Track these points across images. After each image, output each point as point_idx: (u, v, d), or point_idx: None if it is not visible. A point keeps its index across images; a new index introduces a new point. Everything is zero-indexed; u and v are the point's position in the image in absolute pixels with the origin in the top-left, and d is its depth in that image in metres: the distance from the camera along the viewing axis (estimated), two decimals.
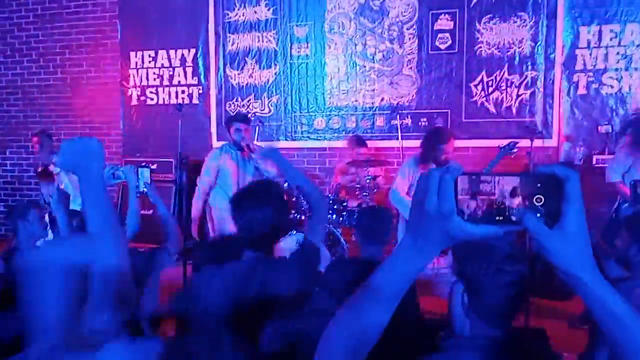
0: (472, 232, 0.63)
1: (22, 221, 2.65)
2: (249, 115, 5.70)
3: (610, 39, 4.79)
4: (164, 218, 2.60)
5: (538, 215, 0.61)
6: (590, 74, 4.86)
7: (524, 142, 4.39)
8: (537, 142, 4.46)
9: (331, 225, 4.43)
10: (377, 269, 0.73)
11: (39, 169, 4.96)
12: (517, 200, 0.61)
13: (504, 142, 3.95)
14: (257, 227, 1.79)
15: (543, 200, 0.61)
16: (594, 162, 4.58)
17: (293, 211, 4.55)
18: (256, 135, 5.29)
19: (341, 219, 4.48)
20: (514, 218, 0.61)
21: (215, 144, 5.87)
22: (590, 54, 4.85)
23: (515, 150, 3.90)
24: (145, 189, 2.80)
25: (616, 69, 4.80)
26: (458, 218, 0.62)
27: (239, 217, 1.83)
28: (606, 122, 4.77)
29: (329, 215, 4.48)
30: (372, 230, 2.55)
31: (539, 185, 0.61)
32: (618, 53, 4.78)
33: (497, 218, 0.62)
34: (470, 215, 0.62)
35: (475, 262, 1.35)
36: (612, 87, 4.82)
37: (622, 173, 3.52)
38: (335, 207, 4.49)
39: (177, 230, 2.59)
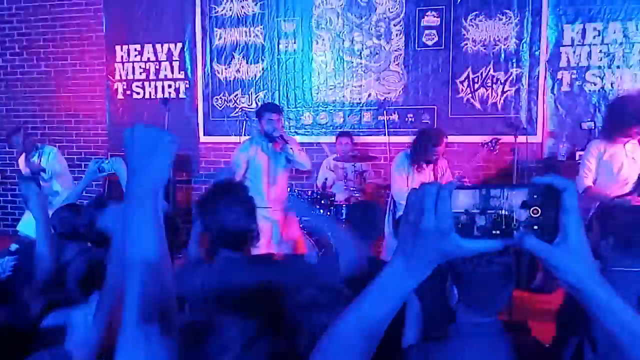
0: (469, 248, 0.61)
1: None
2: (236, 111, 5.70)
3: (594, 37, 4.86)
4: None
5: (535, 227, 0.59)
6: (574, 71, 4.93)
7: (509, 138, 4.45)
8: (522, 138, 4.52)
9: None
10: (361, 296, 0.69)
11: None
12: (526, 213, 0.59)
13: (488, 138, 3.98)
14: (229, 227, 1.79)
15: (540, 211, 0.59)
16: (577, 158, 4.66)
17: None
18: (243, 130, 5.30)
19: (328, 213, 4.50)
20: (514, 233, 0.59)
21: (203, 138, 5.85)
22: (574, 52, 4.92)
23: (497, 147, 3.95)
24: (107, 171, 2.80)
25: (599, 67, 4.87)
26: (455, 235, 0.60)
27: (209, 217, 1.83)
28: (589, 119, 4.85)
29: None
30: (363, 225, 2.57)
31: (535, 196, 0.59)
32: (601, 51, 4.86)
33: (493, 232, 0.60)
34: (463, 230, 0.60)
35: (467, 258, 1.39)
36: (595, 84, 4.90)
37: (592, 178, 3.50)
38: (322, 201, 4.51)
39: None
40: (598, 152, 3.44)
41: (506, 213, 0.59)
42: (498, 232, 0.59)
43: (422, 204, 0.62)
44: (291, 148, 3.89)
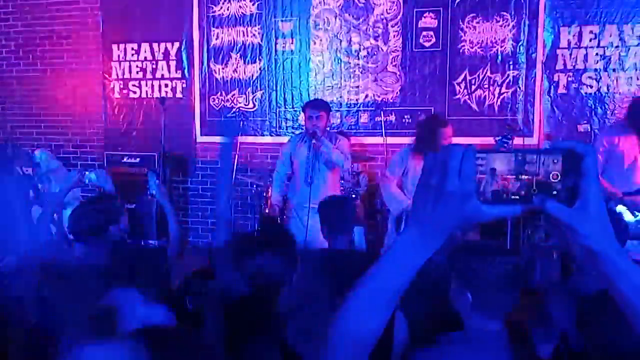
0: (488, 213, 0.60)
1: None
2: (233, 110, 5.69)
3: (590, 40, 4.89)
4: (170, 223, 2.60)
5: (554, 192, 0.59)
6: (570, 73, 4.96)
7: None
8: (518, 140, 4.54)
9: None
10: (374, 266, 0.68)
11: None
12: (546, 178, 0.59)
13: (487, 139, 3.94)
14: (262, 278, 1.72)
15: (559, 176, 0.59)
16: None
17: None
18: (240, 130, 5.29)
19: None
20: (533, 198, 0.59)
21: (199, 138, 5.84)
22: (571, 54, 4.94)
23: (511, 142, 3.83)
24: (154, 192, 2.80)
25: (595, 70, 4.90)
26: (475, 199, 0.59)
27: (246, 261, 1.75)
28: (585, 122, 4.87)
29: None
30: (339, 221, 2.53)
31: (554, 161, 0.59)
32: (597, 54, 4.89)
33: (512, 197, 0.59)
34: (483, 194, 0.59)
35: (473, 260, 1.39)
36: (591, 87, 4.92)
37: (599, 171, 3.50)
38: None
39: (179, 236, 2.58)
40: (610, 144, 3.37)
41: (526, 177, 0.59)
42: (517, 197, 0.59)
43: (445, 166, 0.60)
44: (324, 147, 3.83)
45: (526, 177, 0.59)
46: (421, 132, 3.88)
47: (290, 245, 1.84)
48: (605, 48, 4.86)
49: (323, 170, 3.93)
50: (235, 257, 1.78)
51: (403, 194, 3.85)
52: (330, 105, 5.45)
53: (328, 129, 4.17)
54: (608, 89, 4.86)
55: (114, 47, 5.97)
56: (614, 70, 4.86)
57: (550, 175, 0.59)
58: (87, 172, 2.82)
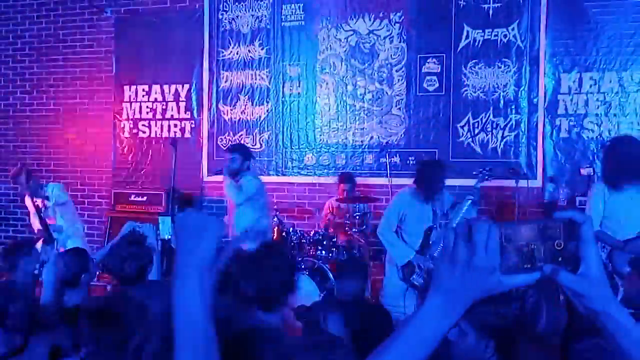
0: (509, 284, 0.65)
1: (24, 257, 2.63)
2: None
3: (590, 86, 5.01)
4: None
5: (559, 259, 0.65)
6: (572, 118, 5.05)
7: (510, 183, 4.51)
8: (522, 183, 4.59)
9: (320, 261, 4.45)
10: (396, 337, 0.68)
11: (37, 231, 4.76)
12: (551, 247, 0.64)
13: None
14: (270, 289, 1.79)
15: (563, 245, 0.65)
16: (577, 204, 4.71)
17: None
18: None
19: (330, 254, 4.52)
20: (544, 268, 0.64)
21: (206, 177, 5.92)
22: (572, 100, 5.05)
23: (491, 175, 3.99)
24: (168, 237, 2.88)
25: (596, 114, 4.99)
26: (498, 272, 0.64)
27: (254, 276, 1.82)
28: (588, 165, 4.93)
29: (318, 252, 4.51)
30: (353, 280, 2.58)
31: (558, 230, 0.65)
32: (598, 99, 5.00)
33: (525, 266, 0.64)
34: (501, 266, 0.64)
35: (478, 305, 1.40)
36: (592, 131, 5.01)
37: (599, 222, 3.46)
38: (324, 242, 4.53)
39: None
40: (604, 194, 3.39)
41: (534, 247, 0.64)
42: (529, 265, 0.64)
43: (473, 241, 0.64)
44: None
45: (534, 246, 0.64)
46: (422, 176, 3.95)
47: (291, 268, 1.89)
48: (606, 94, 4.97)
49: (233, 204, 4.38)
50: (236, 278, 1.83)
51: (405, 244, 3.92)
52: (336, 146, 5.57)
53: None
54: (610, 134, 4.94)
55: (126, 88, 6.14)
56: (614, 115, 4.95)
57: (555, 243, 0.64)
58: (138, 226, 2.91)
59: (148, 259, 2.47)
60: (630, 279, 2.07)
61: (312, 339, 1.43)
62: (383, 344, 0.69)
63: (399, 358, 0.67)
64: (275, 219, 4.74)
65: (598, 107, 4.99)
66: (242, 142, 5.83)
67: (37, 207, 4.52)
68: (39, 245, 3.63)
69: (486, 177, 4.01)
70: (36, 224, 4.53)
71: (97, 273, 2.74)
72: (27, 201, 4.71)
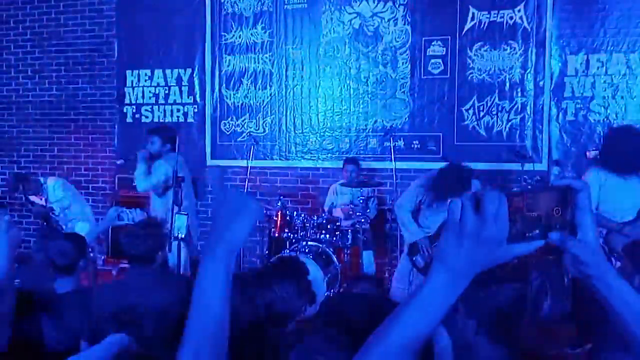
0: (516, 252, 0.64)
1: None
2: (244, 135, 5.76)
3: (597, 68, 4.94)
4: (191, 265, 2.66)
5: (557, 226, 0.65)
6: (578, 101, 5.00)
7: (515, 166, 4.48)
8: (528, 166, 4.56)
9: (324, 245, 4.45)
10: (399, 315, 0.67)
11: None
12: (555, 214, 0.65)
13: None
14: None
15: (560, 211, 0.65)
16: None
17: (287, 230, 4.57)
18: (251, 155, 5.34)
19: (334, 238, 4.51)
20: (551, 236, 0.64)
21: (210, 162, 5.90)
22: (578, 82, 4.99)
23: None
24: (182, 235, 2.88)
25: (603, 97, 4.93)
26: (506, 242, 0.63)
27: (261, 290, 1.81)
28: (594, 148, 4.87)
29: (322, 236, 4.51)
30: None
31: (555, 197, 0.65)
32: (605, 81, 4.93)
33: (527, 234, 0.64)
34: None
35: (479, 288, 1.38)
36: (599, 114, 4.95)
37: (595, 205, 3.44)
38: (328, 226, 4.52)
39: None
40: (599, 179, 3.40)
41: (535, 215, 0.64)
42: (530, 234, 0.64)
43: (482, 212, 0.62)
44: None
45: (535, 214, 0.64)
46: (441, 182, 3.77)
47: (304, 277, 1.88)
48: (613, 76, 4.91)
49: None
50: (251, 286, 1.82)
51: (416, 225, 3.97)
52: (340, 130, 5.53)
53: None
54: (617, 116, 4.89)
55: (128, 73, 6.10)
56: (622, 97, 4.89)
57: (553, 210, 0.64)
58: (125, 211, 2.91)
59: (160, 243, 2.45)
60: (623, 264, 2.06)
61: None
62: (386, 322, 0.68)
63: (403, 335, 0.66)
64: (279, 203, 4.73)
65: (605, 90, 4.93)
66: (245, 126, 5.80)
67: (46, 211, 4.53)
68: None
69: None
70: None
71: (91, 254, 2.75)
72: (35, 208, 4.71)
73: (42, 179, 4.80)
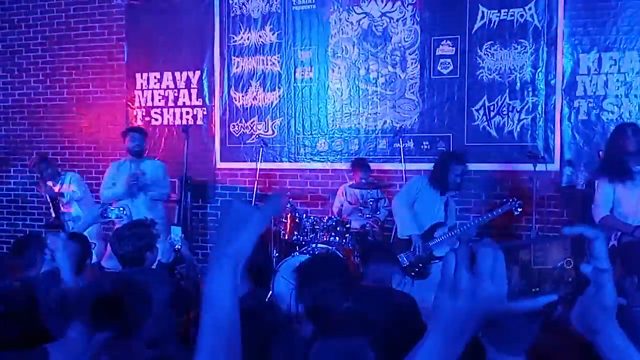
0: (515, 310, 0.59)
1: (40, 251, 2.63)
2: (253, 137, 5.76)
3: (610, 66, 4.87)
4: (192, 275, 2.68)
5: (570, 279, 0.59)
6: (591, 100, 4.92)
7: (527, 167, 4.43)
8: (540, 167, 4.50)
9: (334, 247, 4.43)
10: None
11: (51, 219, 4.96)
12: (567, 266, 0.59)
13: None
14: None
15: (572, 263, 0.59)
16: (595, 187, 4.60)
17: (296, 233, 4.56)
18: (260, 157, 5.34)
19: (344, 240, 4.49)
20: (582, 268, 0.59)
21: (219, 164, 5.91)
22: (591, 81, 4.92)
23: (520, 210, 3.95)
24: (179, 246, 2.91)
25: (616, 96, 4.86)
26: (506, 300, 0.58)
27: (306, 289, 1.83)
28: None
29: (332, 238, 4.49)
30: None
31: (566, 248, 0.59)
32: (618, 80, 4.85)
33: (533, 290, 0.58)
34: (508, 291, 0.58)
35: None
36: (612, 113, 4.88)
37: (609, 207, 3.44)
38: (338, 228, 4.50)
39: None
40: (613, 183, 3.38)
41: (542, 268, 0.58)
42: (537, 289, 0.58)
43: (477, 269, 0.57)
44: None
45: (543, 267, 0.58)
46: (437, 166, 4.03)
47: (345, 273, 1.90)
48: (626, 74, 4.83)
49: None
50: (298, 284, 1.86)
51: (413, 221, 3.98)
52: (349, 132, 5.51)
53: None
54: (630, 115, 4.81)
55: (138, 76, 6.13)
56: (635, 96, 4.81)
57: (565, 261, 0.59)
58: (110, 207, 2.93)
59: (148, 242, 2.48)
60: (617, 268, 2.02)
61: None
62: None
63: None
64: (289, 205, 4.72)
65: (618, 88, 4.85)
66: (254, 128, 5.80)
67: (55, 194, 4.65)
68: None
69: (513, 210, 3.96)
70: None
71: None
72: (46, 188, 4.81)
73: (60, 171, 5.09)
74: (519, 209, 3.97)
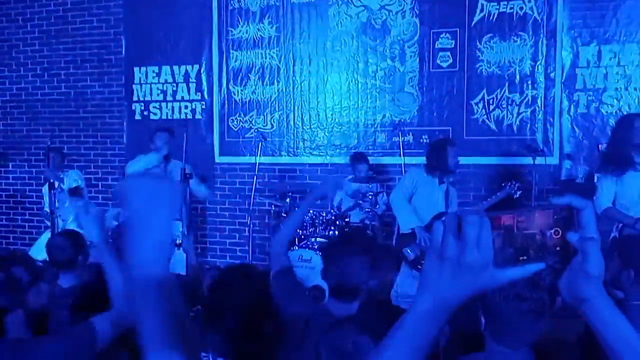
0: (503, 278, 0.59)
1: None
2: (252, 131, 5.75)
3: (610, 59, 4.85)
4: (191, 270, 2.71)
5: (557, 248, 0.59)
6: (590, 93, 4.91)
7: (527, 160, 4.42)
8: (539, 160, 4.50)
9: None
10: (387, 342, 0.63)
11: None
12: (555, 236, 0.59)
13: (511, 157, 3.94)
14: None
15: (560, 232, 0.59)
16: (595, 180, 4.60)
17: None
18: (259, 151, 5.33)
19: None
20: (568, 236, 0.59)
21: (218, 158, 5.90)
22: (590, 74, 4.91)
23: (519, 192, 3.93)
24: (180, 241, 2.93)
25: (616, 89, 4.85)
26: (492, 267, 0.58)
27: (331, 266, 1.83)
28: (607, 141, 4.80)
29: (331, 232, 4.49)
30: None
31: (555, 217, 0.59)
32: (617, 73, 4.84)
33: (521, 258, 0.59)
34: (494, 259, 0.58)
35: (498, 298, 1.35)
36: (612, 106, 4.87)
37: (611, 199, 3.45)
38: (337, 222, 4.50)
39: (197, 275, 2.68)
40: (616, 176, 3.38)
41: (529, 236, 0.59)
42: (525, 257, 0.59)
43: (462, 237, 0.58)
44: None
45: (529, 235, 0.59)
46: (430, 152, 4.03)
47: (372, 253, 1.90)
48: (626, 67, 4.82)
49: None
50: (324, 261, 1.86)
51: (413, 214, 3.97)
52: (348, 125, 5.49)
53: None
54: (630, 108, 4.80)
55: (136, 70, 6.10)
56: (635, 89, 4.80)
57: (553, 231, 0.59)
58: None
59: (80, 249, 2.58)
60: (614, 262, 2.02)
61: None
62: (376, 353, 0.64)
63: None
64: (288, 200, 4.71)
65: (618, 81, 4.84)
66: (253, 122, 5.78)
67: (57, 177, 4.60)
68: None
69: (512, 193, 3.93)
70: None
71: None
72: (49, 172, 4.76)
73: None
74: (519, 192, 3.96)
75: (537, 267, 0.59)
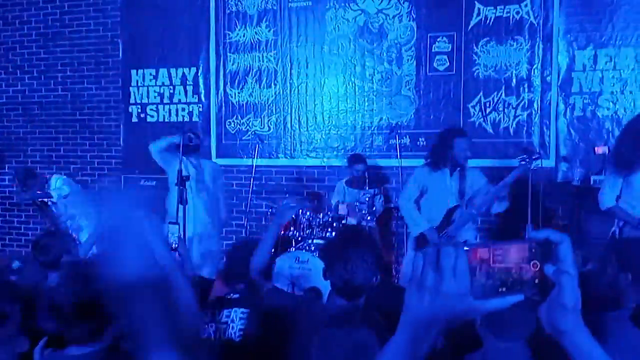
0: (481, 309, 0.61)
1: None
2: (249, 134, 5.75)
3: (606, 63, 4.88)
4: (185, 274, 2.70)
5: (536, 281, 0.62)
6: (587, 96, 4.94)
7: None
8: (536, 163, 4.50)
9: None
10: None
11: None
12: (533, 268, 0.61)
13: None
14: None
15: (539, 265, 0.62)
16: (591, 183, 4.62)
17: (292, 229, 4.56)
18: (255, 153, 5.33)
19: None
20: (546, 269, 0.61)
21: (215, 161, 5.89)
22: (586, 77, 4.93)
23: (536, 161, 3.82)
24: (176, 245, 2.91)
25: (612, 92, 4.87)
26: (469, 297, 0.60)
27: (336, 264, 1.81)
28: (603, 144, 4.82)
29: (328, 234, 4.49)
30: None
31: (533, 250, 0.62)
32: (613, 77, 4.87)
33: (499, 290, 0.61)
34: (472, 290, 0.60)
35: None
36: (608, 109, 4.89)
37: (615, 197, 3.45)
38: (334, 224, 4.50)
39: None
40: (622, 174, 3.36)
41: (510, 269, 0.61)
42: (504, 289, 0.61)
43: (439, 267, 0.60)
44: None
45: (505, 268, 0.61)
46: (437, 144, 3.94)
47: (374, 250, 1.89)
48: (622, 71, 4.84)
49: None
50: (328, 262, 1.84)
51: (420, 216, 3.94)
52: (345, 128, 5.51)
53: None
54: (625, 112, 4.83)
55: (133, 72, 6.10)
56: (630, 92, 4.83)
57: (531, 264, 0.61)
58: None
59: (65, 248, 2.64)
60: (612, 265, 2.02)
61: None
62: None
63: None
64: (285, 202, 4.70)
65: (614, 85, 4.87)
66: (250, 125, 5.78)
67: (37, 195, 4.59)
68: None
69: (530, 165, 3.82)
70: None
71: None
72: (21, 195, 4.77)
73: (48, 175, 4.95)
74: (535, 161, 3.84)
75: (515, 298, 0.61)
